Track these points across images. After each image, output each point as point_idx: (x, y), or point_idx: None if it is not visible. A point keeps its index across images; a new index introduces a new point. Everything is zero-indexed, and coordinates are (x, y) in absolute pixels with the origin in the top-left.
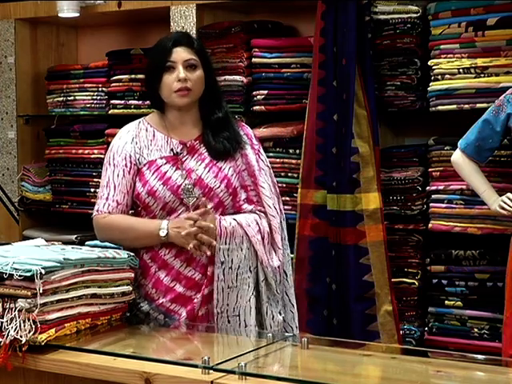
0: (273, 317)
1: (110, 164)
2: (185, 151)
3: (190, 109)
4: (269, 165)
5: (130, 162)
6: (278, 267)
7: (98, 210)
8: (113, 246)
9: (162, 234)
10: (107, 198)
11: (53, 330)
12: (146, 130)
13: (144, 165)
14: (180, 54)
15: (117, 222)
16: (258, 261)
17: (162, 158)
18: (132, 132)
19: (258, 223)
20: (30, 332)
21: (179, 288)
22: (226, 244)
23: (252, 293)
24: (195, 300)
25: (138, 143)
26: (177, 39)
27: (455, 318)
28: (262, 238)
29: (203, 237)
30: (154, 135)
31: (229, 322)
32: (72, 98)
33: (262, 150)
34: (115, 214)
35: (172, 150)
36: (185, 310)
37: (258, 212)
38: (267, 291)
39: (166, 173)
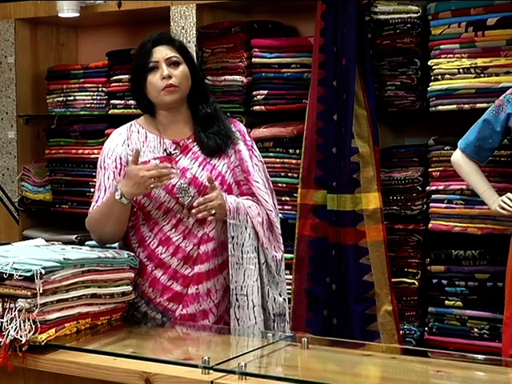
0: (274, 298)
1: (101, 167)
2: (178, 151)
3: (179, 107)
4: (262, 160)
5: (121, 164)
6: (276, 257)
7: (89, 213)
8: (113, 246)
9: (118, 197)
10: (97, 201)
11: (53, 330)
12: (138, 132)
13: None
14: (161, 52)
15: (91, 215)
16: (259, 242)
17: (155, 159)
18: (123, 135)
19: (256, 207)
20: (30, 332)
21: (176, 287)
22: (233, 219)
23: (258, 273)
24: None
25: (130, 145)
26: (156, 39)
27: (455, 318)
28: (262, 222)
29: (161, 171)
30: (146, 137)
31: (237, 300)
32: (72, 98)
33: (255, 146)
34: None
35: (165, 150)
36: (182, 307)
37: (254, 201)
38: (267, 274)
39: None
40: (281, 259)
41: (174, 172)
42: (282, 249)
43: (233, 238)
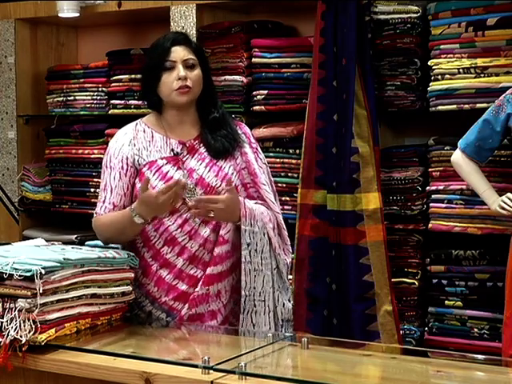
0: (283, 304)
1: (106, 167)
2: (185, 151)
3: (188, 108)
4: (266, 163)
5: (127, 164)
6: (286, 261)
7: (96, 213)
8: (113, 246)
9: (139, 221)
10: (104, 201)
11: (53, 330)
12: (144, 132)
13: (144, 166)
14: (179, 53)
15: (103, 220)
16: (271, 248)
17: (162, 159)
18: (129, 134)
19: (268, 213)
20: (30, 332)
21: (182, 286)
22: (250, 226)
23: (273, 279)
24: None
25: (136, 145)
26: (175, 39)
27: (455, 318)
28: (273, 227)
29: (176, 190)
30: (152, 136)
31: (255, 306)
32: (72, 98)
33: (259, 149)
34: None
35: (172, 150)
36: (191, 307)
37: (264, 205)
38: (278, 279)
39: (167, 173)
40: (290, 263)
41: (183, 180)
42: (290, 250)
43: (248, 244)
